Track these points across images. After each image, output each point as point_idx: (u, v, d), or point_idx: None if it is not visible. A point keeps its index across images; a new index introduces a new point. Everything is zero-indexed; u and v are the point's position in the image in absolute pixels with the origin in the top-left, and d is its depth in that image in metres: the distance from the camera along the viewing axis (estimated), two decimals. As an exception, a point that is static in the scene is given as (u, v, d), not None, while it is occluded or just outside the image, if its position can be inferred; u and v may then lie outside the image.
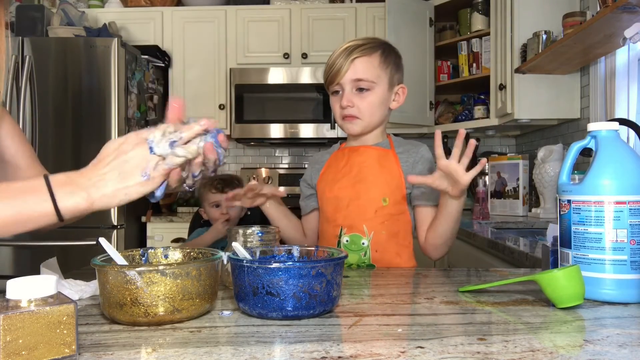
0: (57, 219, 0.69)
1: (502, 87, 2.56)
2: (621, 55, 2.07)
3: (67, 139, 2.66)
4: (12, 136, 0.97)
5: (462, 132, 1.00)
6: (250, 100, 3.14)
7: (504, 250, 1.60)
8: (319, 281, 0.71)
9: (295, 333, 0.66)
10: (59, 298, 0.56)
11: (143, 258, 0.84)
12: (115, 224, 2.64)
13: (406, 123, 2.98)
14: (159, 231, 2.91)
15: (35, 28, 2.84)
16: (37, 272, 0.83)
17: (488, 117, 2.86)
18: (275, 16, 3.24)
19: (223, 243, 1.87)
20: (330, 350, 0.59)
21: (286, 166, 3.57)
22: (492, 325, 0.69)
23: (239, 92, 3.14)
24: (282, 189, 1.27)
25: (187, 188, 0.76)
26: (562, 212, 0.87)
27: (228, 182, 1.91)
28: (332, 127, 3.10)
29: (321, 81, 1.28)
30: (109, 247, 0.77)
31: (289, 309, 0.70)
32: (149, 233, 2.92)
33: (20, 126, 2.46)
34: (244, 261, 0.73)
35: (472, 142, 1.02)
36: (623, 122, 1.75)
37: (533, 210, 2.45)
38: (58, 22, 2.85)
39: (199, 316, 0.74)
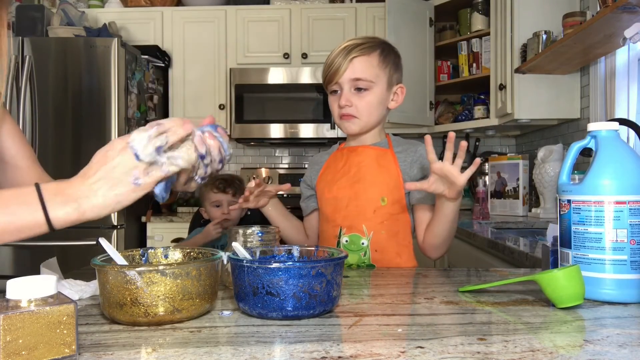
0: (48, 229, 0.68)
1: (502, 87, 2.56)
2: (621, 55, 2.07)
3: (67, 139, 2.66)
4: (13, 137, 0.97)
5: (452, 135, 1.01)
6: (250, 100, 3.14)
7: (504, 250, 1.60)
8: (319, 281, 0.71)
9: (295, 333, 0.66)
10: (59, 298, 0.56)
11: (143, 258, 0.84)
12: (115, 224, 2.64)
13: (406, 123, 2.98)
14: (159, 231, 2.91)
15: (35, 28, 2.84)
16: (37, 272, 0.83)
17: (488, 117, 2.86)
18: (275, 16, 3.24)
19: (223, 241, 1.87)
20: (330, 350, 0.59)
21: (286, 166, 3.57)
22: (492, 325, 0.69)
23: (239, 92, 3.14)
24: (285, 185, 1.26)
25: (199, 181, 0.75)
26: (562, 212, 0.87)
27: (229, 182, 1.92)
28: (332, 127, 3.10)
29: (321, 81, 1.27)
30: (109, 247, 0.77)
31: (289, 309, 0.70)
32: (149, 233, 2.92)
33: (20, 126, 2.46)
34: (244, 261, 0.73)
35: (463, 144, 1.01)
36: (623, 122, 1.75)
37: (533, 210, 2.45)
38: (58, 22, 2.85)
39: (199, 316, 0.74)
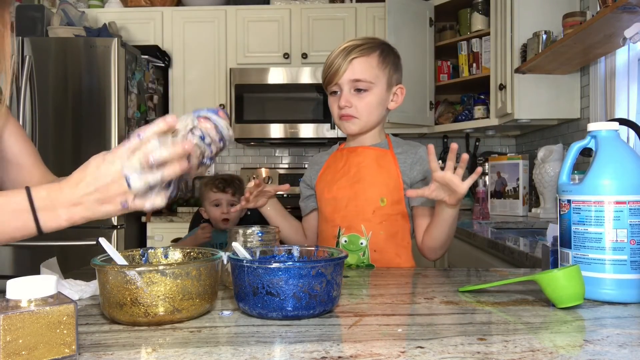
0: (37, 233, 0.71)
1: (502, 87, 2.56)
2: (621, 55, 2.07)
3: (67, 139, 2.66)
4: (16, 136, 0.99)
5: (455, 147, 1.02)
6: (250, 100, 3.14)
7: (504, 250, 1.60)
8: (319, 281, 0.71)
9: (295, 333, 0.66)
10: (59, 298, 0.56)
11: (143, 258, 0.84)
12: (115, 224, 2.64)
13: (406, 123, 2.98)
14: (159, 231, 2.91)
15: (35, 28, 2.84)
16: (37, 272, 0.83)
17: (488, 117, 2.86)
18: (275, 16, 3.24)
19: (223, 240, 1.88)
20: (330, 350, 0.59)
21: (286, 166, 3.57)
22: (492, 325, 0.69)
23: (239, 92, 3.14)
24: (284, 185, 1.27)
25: (209, 162, 0.79)
26: (562, 212, 0.87)
27: (229, 182, 1.92)
28: (332, 127, 3.10)
29: (321, 81, 1.28)
30: (109, 247, 0.77)
31: (289, 309, 0.70)
32: (149, 233, 2.92)
33: (20, 126, 2.46)
34: (244, 261, 0.73)
35: (465, 156, 1.03)
36: (623, 122, 1.75)
37: (533, 210, 2.45)
38: (58, 22, 2.85)
39: (199, 316, 0.74)
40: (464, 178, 1.03)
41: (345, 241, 1.22)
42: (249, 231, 0.96)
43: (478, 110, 2.93)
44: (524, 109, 2.44)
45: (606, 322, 0.70)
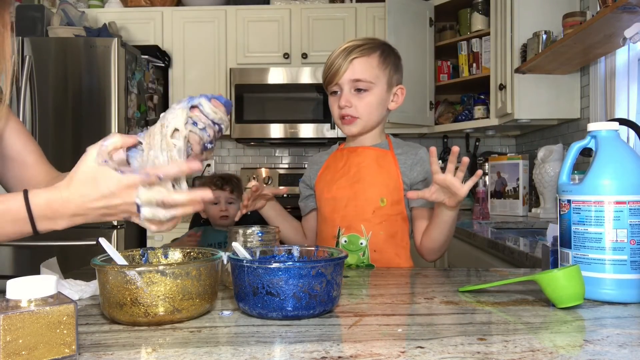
0: (34, 234, 0.73)
1: (502, 87, 2.56)
2: (621, 55, 2.07)
3: (67, 139, 2.66)
4: (18, 134, 0.99)
5: (456, 150, 1.03)
6: (250, 100, 3.14)
7: (504, 250, 1.60)
8: (319, 281, 0.71)
9: (295, 333, 0.66)
10: (59, 298, 0.56)
11: (143, 258, 0.84)
12: (115, 224, 2.64)
13: (406, 123, 2.98)
14: (159, 231, 2.90)
15: (35, 28, 2.84)
16: (37, 272, 0.83)
17: (488, 117, 2.86)
18: (275, 16, 3.24)
19: (222, 239, 1.87)
20: (330, 350, 0.59)
21: (286, 166, 3.57)
22: (492, 325, 0.69)
23: (239, 92, 3.14)
24: (282, 189, 1.28)
25: (210, 146, 0.81)
26: (562, 212, 0.87)
27: (227, 180, 1.92)
28: (332, 127, 3.10)
29: (321, 81, 1.28)
30: (109, 247, 0.77)
31: (289, 309, 0.70)
32: (149, 233, 2.91)
33: (20, 126, 2.46)
34: (244, 261, 0.73)
35: (465, 160, 1.04)
36: (623, 122, 1.75)
37: (533, 210, 2.45)
38: (58, 22, 2.85)
39: (199, 316, 0.74)
40: (464, 180, 1.04)
41: (345, 241, 1.22)
42: (249, 231, 0.96)
43: (478, 110, 2.93)
44: (524, 109, 2.44)
45: (606, 322, 0.70)
